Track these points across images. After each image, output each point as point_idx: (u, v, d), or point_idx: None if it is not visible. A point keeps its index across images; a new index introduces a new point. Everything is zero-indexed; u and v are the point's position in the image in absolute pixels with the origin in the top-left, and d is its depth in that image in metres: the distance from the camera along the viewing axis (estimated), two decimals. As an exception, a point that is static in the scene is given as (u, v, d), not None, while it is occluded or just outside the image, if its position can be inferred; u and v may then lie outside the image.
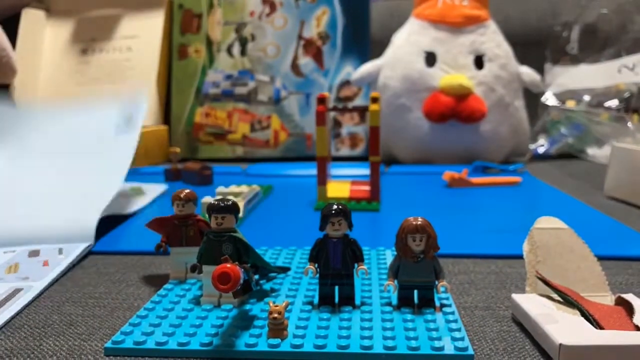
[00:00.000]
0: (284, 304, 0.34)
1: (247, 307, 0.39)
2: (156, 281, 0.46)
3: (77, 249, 0.52)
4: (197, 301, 0.40)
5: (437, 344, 0.32)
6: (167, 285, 0.43)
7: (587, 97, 1.10)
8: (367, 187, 0.73)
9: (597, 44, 1.17)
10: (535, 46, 1.26)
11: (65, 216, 0.56)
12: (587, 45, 1.18)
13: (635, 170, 0.73)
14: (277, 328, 0.34)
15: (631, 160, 0.74)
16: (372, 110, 0.69)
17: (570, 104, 1.11)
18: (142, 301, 0.42)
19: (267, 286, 0.43)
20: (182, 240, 0.44)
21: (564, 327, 0.32)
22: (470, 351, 0.32)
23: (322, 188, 0.72)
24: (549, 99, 1.15)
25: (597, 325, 0.33)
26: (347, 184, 0.79)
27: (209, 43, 1.26)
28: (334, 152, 1.20)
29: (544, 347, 0.33)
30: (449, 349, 0.32)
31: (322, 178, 0.71)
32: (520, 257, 0.41)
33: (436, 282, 0.37)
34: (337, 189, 0.75)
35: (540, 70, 1.12)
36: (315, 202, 0.72)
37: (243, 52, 1.25)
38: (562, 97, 1.14)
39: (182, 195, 0.44)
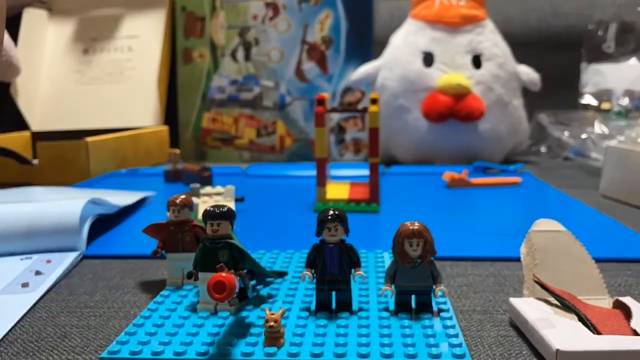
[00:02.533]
0: (280, 311, 0.34)
1: (244, 314, 0.38)
2: (153, 287, 0.46)
3: (67, 259, 0.51)
4: (193, 308, 0.39)
5: (434, 350, 0.32)
6: (163, 292, 0.43)
7: (625, 100, 1.09)
8: (366, 189, 0.73)
9: (635, 43, 1.15)
10: (535, 46, 1.26)
11: (52, 223, 0.54)
12: (624, 43, 1.16)
13: (629, 170, 0.73)
14: (274, 336, 0.33)
15: (625, 161, 0.74)
16: (372, 111, 0.69)
17: (605, 106, 1.10)
18: (139, 309, 0.41)
19: (264, 292, 0.43)
20: (178, 246, 0.44)
21: (561, 332, 0.32)
22: (468, 357, 0.32)
23: (321, 189, 0.71)
24: (587, 98, 1.13)
25: (595, 329, 0.33)
26: (346, 185, 0.79)
27: (213, 47, 1.26)
28: (338, 157, 1.20)
29: (541, 352, 0.33)
30: (447, 355, 0.32)
31: (322, 179, 0.71)
32: (519, 259, 0.40)
33: (434, 287, 0.37)
34: (337, 191, 0.75)
35: (540, 69, 1.11)
36: (314, 203, 0.72)
37: (247, 57, 1.24)
38: (599, 96, 1.12)
39: (177, 201, 0.43)
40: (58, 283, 0.47)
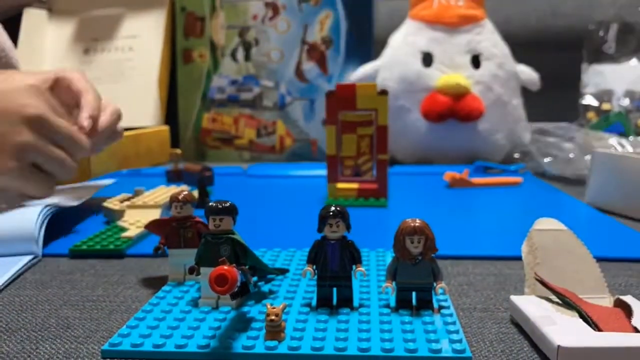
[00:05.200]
0: (281, 306, 0.34)
1: (245, 309, 0.39)
2: (155, 283, 0.46)
3: (20, 262, 0.50)
4: (195, 303, 0.40)
5: (434, 345, 0.32)
6: (165, 287, 0.43)
7: (625, 100, 1.09)
8: (373, 185, 0.74)
9: (635, 43, 1.15)
10: (535, 46, 1.26)
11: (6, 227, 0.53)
12: (624, 44, 1.15)
13: (619, 178, 0.68)
14: (275, 330, 0.33)
15: (615, 168, 0.69)
16: (381, 109, 0.71)
17: (606, 106, 1.10)
18: (140, 303, 0.42)
19: (265, 288, 0.43)
20: (181, 242, 0.44)
21: (562, 329, 0.32)
22: (468, 353, 0.32)
23: (332, 185, 0.74)
24: (588, 99, 1.13)
25: (596, 327, 0.33)
26: (354, 183, 0.78)
27: (213, 47, 1.26)
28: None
29: (542, 349, 0.33)
30: (447, 351, 0.32)
31: (333, 176, 0.73)
32: (520, 258, 0.41)
33: (434, 284, 0.37)
34: (346, 186, 0.76)
35: (540, 69, 1.11)
36: (326, 199, 0.74)
37: (247, 57, 1.24)
38: (599, 97, 1.12)
39: (180, 197, 0.43)
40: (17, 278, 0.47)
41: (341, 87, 0.71)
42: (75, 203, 0.63)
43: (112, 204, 0.66)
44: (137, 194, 0.71)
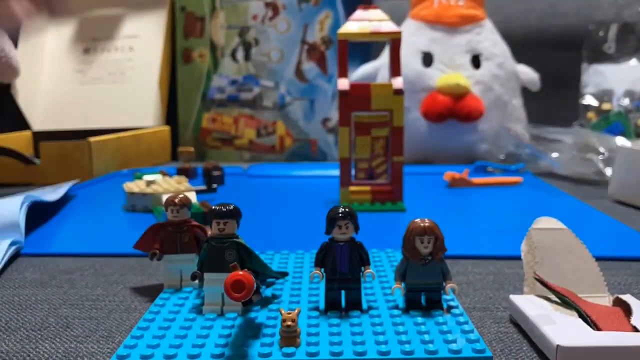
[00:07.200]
0: (296, 310, 0.33)
1: (252, 314, 0.37)
2: (155, 283, 0.46)
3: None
4: (198, 310, 0.38)
5: (454, 346, 0.32)
6: (162, 295, 0.41)
7: (625, 100, 1.08)
8: (384, 188, 0.72)
9: (635, 43, 1.14)
10: (535, 46, 1.26)
11: None
12: (624, 44, 1.15)
13: None
14: (290, 336, 0.32)
15: (638, 162, 0.70)
16: (396, 109, 0.69)
17: (606, 106, 1.10)
18: (140, 303, 0.42)
19: (267, 292, 0.41)
20: (177, 247, 0.42)
21: (561, 328, 0.32)
22: (488, 353, 0.31)
23: (345, 190, 0.71)
24: (588, 99, 1.13)
25: (595, 326, 0.33)
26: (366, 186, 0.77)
27: (213, 47, 1.26)
28: (337, 157, 1.20)
29: (541, 348, 0.33)
30: (467, 352, 0.32)
31: (346, 180, 0.71)
32: (520, 257, 0.41)
33: (443, 284, 0.37)
34: (360, 189, 0.74)
35: (540, 69, 1.11)
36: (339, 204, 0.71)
37: (247, 57, 1.24)
38: (599, 97, 1.12)
39: (176, 201, 0.41)
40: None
41: (355, 87, 0.69)
42: (55, 197, 0.65)
43: (138, 187, 0.70)
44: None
